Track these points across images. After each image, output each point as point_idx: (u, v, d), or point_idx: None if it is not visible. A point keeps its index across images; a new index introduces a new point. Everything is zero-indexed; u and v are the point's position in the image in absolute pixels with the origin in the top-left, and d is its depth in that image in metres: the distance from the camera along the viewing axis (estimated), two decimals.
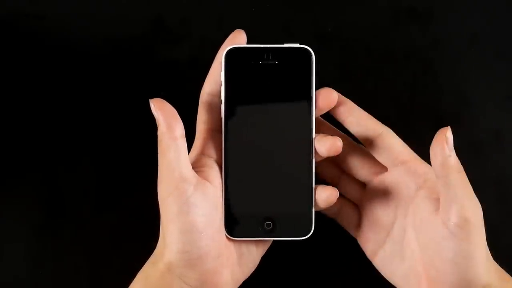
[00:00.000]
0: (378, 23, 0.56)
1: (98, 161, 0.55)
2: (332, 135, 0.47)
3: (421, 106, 0.55)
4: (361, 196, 0.51)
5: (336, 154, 0.47)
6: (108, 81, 0.55)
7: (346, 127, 0.49)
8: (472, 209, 0.44)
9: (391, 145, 0.48)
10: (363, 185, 0.51)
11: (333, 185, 0.51)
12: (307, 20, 0.56)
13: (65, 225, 0.55)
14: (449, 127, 0.44)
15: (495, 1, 0.56)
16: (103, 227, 0.55)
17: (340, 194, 0.51)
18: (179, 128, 0.45)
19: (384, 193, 0.49)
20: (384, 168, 0.49)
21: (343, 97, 0.49)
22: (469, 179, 0.46)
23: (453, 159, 0.44)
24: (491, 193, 0.54)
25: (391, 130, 0.49)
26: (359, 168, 0.50)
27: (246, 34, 0.49)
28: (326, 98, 0.48)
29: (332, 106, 0.48)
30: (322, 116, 0.51)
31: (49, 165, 0.55)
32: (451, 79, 0.55)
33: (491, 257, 0.46)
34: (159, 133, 0.45)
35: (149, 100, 0.45)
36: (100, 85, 0.55)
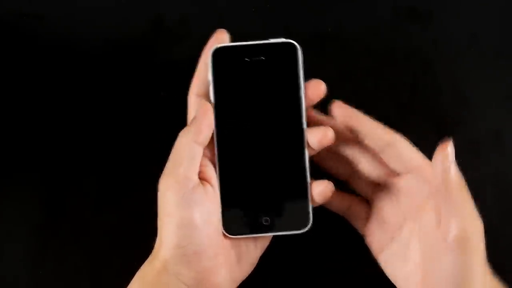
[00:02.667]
0: (378, 23, 0.56)
1: (98, 161, 0.55)
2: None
3: (421, 106, 0.55)
4: (373, 193, 0.51)
5: (328, 144, 0.47)
6: (108, 81, 0.55)
7: (360, 139, 0.49)
8: (471, 225, 0.44)
9: (401, 153, 0.48)
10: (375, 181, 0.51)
11: (344, 180, 0.51)
12: (307, 20, 0.56)
13: (65, 225, 0.55)
14: (450, 141, 0.44)
15: (495, 1, 0.56)
16: (103, 227, 0.55)
17: (351, 191, 0.51)
18: (206, 138, 0.46)
19: (396, 196, 0.49)
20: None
21: (353, 109, 0.49)
22: (469, 179, 0.46)
23: (454, 174, 0.44)
24: (491, 193, 0.54)
25: (402, 137, 0.48)
26: (372, 169, 0.50)
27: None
28: (315, 90, 0.48)
29: (322, 97, 0.48)
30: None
31: (49, 165, 0.55)
32: (451, 79, 0.55)
33: (489, 272, 0.45)
34: (185, 130, 0.46)
35: (201, 100, 0.47)
36: (100, 85, 0.55)
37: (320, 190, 0.48)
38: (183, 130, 0.46)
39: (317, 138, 0.47)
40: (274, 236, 0.50)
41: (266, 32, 0.54)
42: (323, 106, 0.48)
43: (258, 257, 0.50)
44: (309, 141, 0.48)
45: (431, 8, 0.56)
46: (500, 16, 0.56)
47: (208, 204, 0.46)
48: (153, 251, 0.47)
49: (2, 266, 0.54)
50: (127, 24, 0.56)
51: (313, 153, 0.48)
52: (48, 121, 0.55)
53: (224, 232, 0.47)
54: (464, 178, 0.47)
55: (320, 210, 0.51)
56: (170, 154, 0.46)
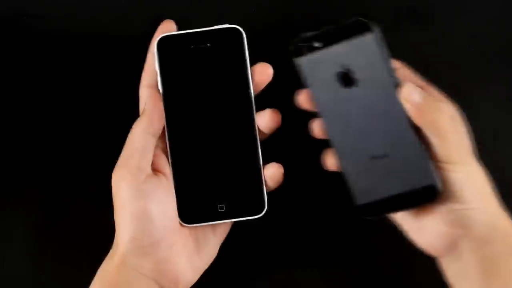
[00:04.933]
0: (378, 23, 0.56)
1: (98, 161, 0.55)
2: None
3: None
4: None
5: (277, 126, 0.47)
6: (109, 81, 0.55)
7: None
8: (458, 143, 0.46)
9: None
10: None
11: None
12: (307, 20, 0.56)
13: (65, 225, 0.55)
14: (407, 82, 0.45)
15: (495, 1, 0.56)
16: (103, 227, 0.54)
17: None
18: (157, 128, 0.47)
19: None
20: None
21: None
22: None
23: (419, 99, 0.45)
24: None
25: None
26: None
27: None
28: (262, 73, 0.48)
29: (269, 80, 0.48)
30: None
31: (48, 165, 0.55)
32: (451, 79, 0.55)
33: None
34: (137, 122, 0.46)
35: (151, 91, 0.47)
36: (100, 85, 0.55)
37: (271, 173, 0.48)
38: (135, 122, 0.46)
39: (264, 120, 0.47)
40: (231, 222, 0.50)
41: (266, 32, 0.54)
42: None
43: (218, 246, 0.49)
44: (259, 125, 0.48)
45: (431, 8, 0.56)
46: (500, 16, 0.56)
47: (162, 194, 0.46)
48: (112, 246, 0.47)
49: (2, 266, 0.54)
50: (127, 24, 0.56)
51: (264, 137, 0.49)
52: (47, 121, 0.55)
53: (181, 222, 0.47)
54: None
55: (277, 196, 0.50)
56: (124, 146, 0.46)
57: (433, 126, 0.44)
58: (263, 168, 0.48)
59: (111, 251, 0.47)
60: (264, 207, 0.48)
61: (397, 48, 0.56)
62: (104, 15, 0.56)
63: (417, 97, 0.44)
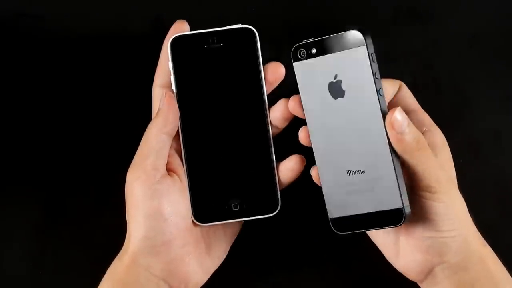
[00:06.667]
0: (378, 23, 0.56)
1: (98, 161, 0.55)
2: None
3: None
4: None
5: (291, 116, 0.47)
6: (108, 81, 0.55)
7: None
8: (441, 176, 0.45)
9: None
10: None
11: None
12: (307, 20, 0.56)
13: (65, 225, 0.55)
14: (398, 108, 0.44)
15: (495, 1, 0.56)
16: (103, 227, 0.55)
17: None
18: (173, 128, 0.47)
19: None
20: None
21: None
22: (469, 179, 0.47)
23: (408, 137, 0.44)
24: (491, 193, 0.54)
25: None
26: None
27: None
28: (274, 72, 0.48)
29: (281, 79, 0.48)
30: None
31: (49, 166, 0.55)
32: (451, 79, 0.55)
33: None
34: (153, 122, 0.46)
35: (165, 91, 0.47)
36: (100, 85, 0.55)
37: (292, 165, 0.48)
38: (151, 122, 0.47)
39: (280, 111, 0.48)
40: (244, 220, 0.50)
41: (266, 32, 0.54)
42: None
43: (228, 247, 0.50)
44: (275, 118, 0.48)
45: (431, 8, 0.56)
46: (500, 16, 0.56)
47: (175, 195, 0.46)
48: (123, 246, 0.47)
49: (2, 266, 0.54)
50: (127, 24, 0.56)
51: (277, 132, 0.49)
52: (47, 121, 0.55)
53: (194, 221, 0.48)
54: (464, 178, 0.48)
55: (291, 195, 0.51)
56: (139, 146, 0.46)
57: (414, 157, 0.44)
58: (280, 163, 0.48)
59: (121, 251, 0.47)
60: (277, 206, 0.48)
61: (397, 48, 0.56)
62: (104, 15, 0.56)
63: (402, 127, 0.44)
